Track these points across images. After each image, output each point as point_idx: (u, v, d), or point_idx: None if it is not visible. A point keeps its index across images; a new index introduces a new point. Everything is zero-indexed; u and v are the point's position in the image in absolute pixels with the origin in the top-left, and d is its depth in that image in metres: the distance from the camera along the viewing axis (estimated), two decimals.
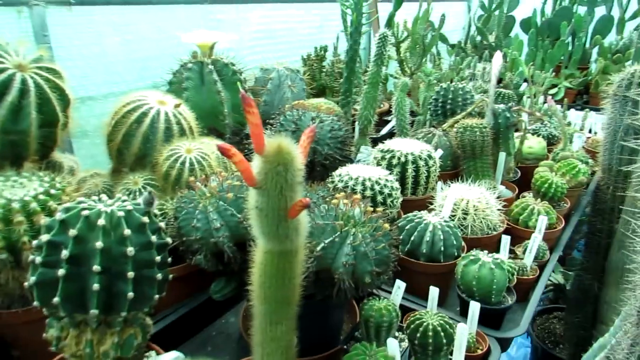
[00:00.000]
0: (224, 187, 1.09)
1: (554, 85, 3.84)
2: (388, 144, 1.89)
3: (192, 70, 1.98)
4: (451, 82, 2.53)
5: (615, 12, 4.16)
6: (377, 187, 1.61)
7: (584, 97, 4.04)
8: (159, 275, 0.97)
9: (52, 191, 1.21)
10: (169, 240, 1.02)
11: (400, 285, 1.23)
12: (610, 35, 4.15)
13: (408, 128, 2.63)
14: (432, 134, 2.13)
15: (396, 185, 1.68)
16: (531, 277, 1.57)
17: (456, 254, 1.51)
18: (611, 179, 2.25)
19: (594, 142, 2.52)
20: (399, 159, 1.82)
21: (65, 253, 0.89)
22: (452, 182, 1.84)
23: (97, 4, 1.92)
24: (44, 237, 0.91)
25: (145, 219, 0.97)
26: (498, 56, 2.08)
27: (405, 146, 1.87)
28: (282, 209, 0.76)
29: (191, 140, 1.51)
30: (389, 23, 3.15)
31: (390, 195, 1.63)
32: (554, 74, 3.79)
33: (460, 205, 1.69)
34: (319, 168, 1.37)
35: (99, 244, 0.89)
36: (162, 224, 1.02)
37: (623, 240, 2.15)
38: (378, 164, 1.83)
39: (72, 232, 0.89)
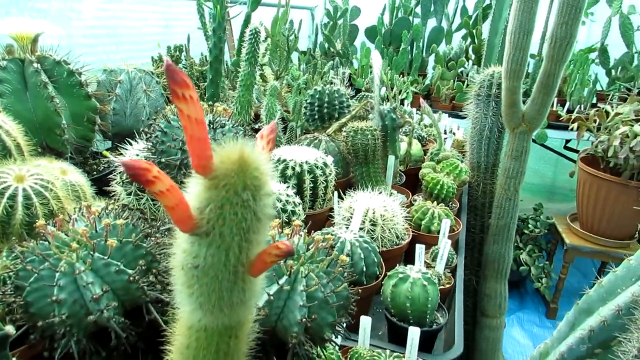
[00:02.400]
0: (100, 229, 0.72)
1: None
2: (278, 153, 1.64)
3: (9, 70, 1.46)
4: (325, 84, 2.39)
5: (444, 24, 4.57)
6: (278, 205, 1.35)
7: (426, 102, 4.34)
8: None
9: None
10: (10, 330, 0.62)
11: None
12: (442, 45, 4.54)
13: (281, 135, 2.41)
14: (319, 139, 1.94)
15: (297, 200, 1.45)
16: (447, 285, 1.48)
17: (378, 272, 1.34)
18: (480, 176, 2.35)
19: (457, 142, 2.63)
20: (293, 169, 1.58)
21: None
22: (348, 191, 1.68)
23: None
24: None
25: None
26: (377, 55, 1.99)
27: (296, 154, 1.65)
28: (243, 264, 0.46)
29: (21, 164, 1.05)
30: (246, 24, 2.90)
31: (294, 212, 1.39)
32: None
33: (367, 216, 1.52)
34: None
35: None
36: None
37: (496, 234, 2.26)
38: None
39: None
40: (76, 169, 1.32)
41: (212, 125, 0.98)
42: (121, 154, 1.49)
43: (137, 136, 1.51)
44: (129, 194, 1.44)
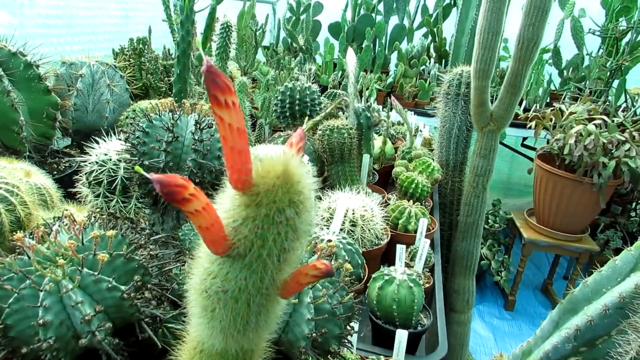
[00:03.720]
0: (88, 242, 0.65)
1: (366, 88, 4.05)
2: (253, 152, 1.59)
3: None
4: (292, 80, 2.34)
5: (406, 22, 4.61)
6: None
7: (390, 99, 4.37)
8: None
9: None
10: None
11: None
12: (404, 43, 4.59)
13: (250, 133, 2.35)
14: None
15: None
16: (427, 285, 1.48)
17: (361, 274, 1.32)
18: (449, 174, 2.38)
19: (425, 140, 2.66)
20: None
21: None
22: (323, 190, 1.66)
23: None
24: None
25: None
26: (351, 53, 1.97)
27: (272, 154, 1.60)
28: (276, 286, 0.42)
29: None
30: (212, 17, 2.81)
31: None
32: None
33: (347, 216, 1.50)
34: (207, 191, 0.99)
35: None
36: None
37: (465, 231, 2.30)
38: None
39: None
40: (39, 170, 1.22)
41: (198, 125, 0.92)
42: (86, 152, 1.39)
43: (104, 134, 1.42)
44: (97, 195, 1.35)
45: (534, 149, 3.60)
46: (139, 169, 0.35)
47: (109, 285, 0.62)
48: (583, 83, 3.79)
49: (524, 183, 4.77)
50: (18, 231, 0.87)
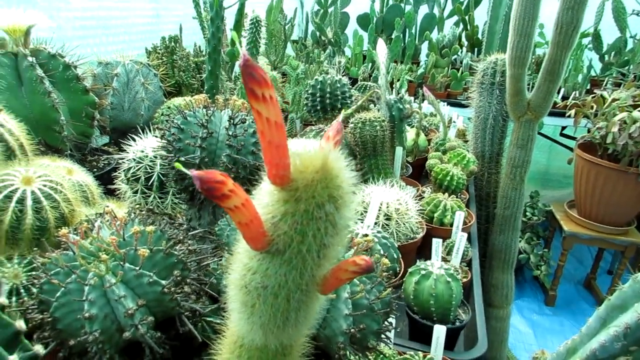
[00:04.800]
0: (128, 237, 0.67)
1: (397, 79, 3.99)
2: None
3: (2, 65, 1.39)
4: (322, 73, 2.33)
5: (436, 11, 4.52)
6: None
7: (421, 90, 4.30)
8: None
9: None
10: (39, 350, 0.57)
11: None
12: (435, 32, 4.50)
13: None
14: (324, 131, 1.89)
15: None
16: (464, 280, 1.45)
17: (397, 268, 1.30)
18: (484, 165, 2.32)
19: (459, 131, 2.61)
20: None
21: None
22: (358, 184, 1.64)
23: None
24: None
25: None
26: (381, 44, 1.94)
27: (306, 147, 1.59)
28: (316, 282, 0.41)
29: (27, 165, 0.99)
30: (241, 12, 2.82)
31: None
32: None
33: (381, 210, 1.49)
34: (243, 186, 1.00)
35: None
36: (22, 323, 0.56)
37: (502, 224, 2.24)
38: None
39: None
40: (80, 168, 1.26)
41: (232, 121, 0.92)
42: (124, 150, 1.42)
43: (140, 131, 1.45)
44: (135, 192, 1.38)
45: (573, 138, 3.48)
46: (179, 166, 0.35)
47: (150, 280, 0.63)
48: (626, 68, 3.62)
49: (564, 174, 4.60)
50: (62, 227, 0.90)
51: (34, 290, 0.65)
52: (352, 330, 0.65)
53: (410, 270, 1.25)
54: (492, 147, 2.29)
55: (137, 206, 1.22)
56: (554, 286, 3.35)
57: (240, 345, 0.51)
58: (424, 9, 4.51)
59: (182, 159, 0.91)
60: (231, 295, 0.46)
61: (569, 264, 3.65)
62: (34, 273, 0.73)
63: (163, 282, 0.64)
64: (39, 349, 0.57)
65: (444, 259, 1.53)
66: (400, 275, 1.32)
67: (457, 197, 1.77)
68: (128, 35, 2.58)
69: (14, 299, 0.79)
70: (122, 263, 0.63)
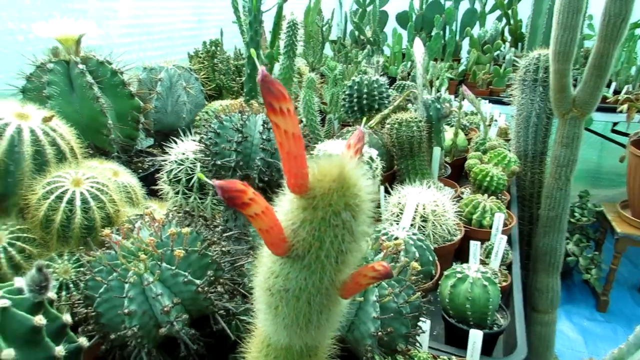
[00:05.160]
0: (166, 238, 0.70)
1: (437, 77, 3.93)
2: (322, 148, 1.61)
3: (55, 72, 1.47)
4: (359, 74, 2.33)
5: (477, 6, 4.40)
6: None
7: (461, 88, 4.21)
8: None
9: None
10: (83, 342, 0.61)
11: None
12: (476, 28, 4.39)
13: (319, 128, 2.37)
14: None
15: None
16: (504, 283, 1.42)
17: (433, 271, 1.29)
18: (527, 165, 2.26)
19: (501, 130, 2.54)
20: None
21: None
22: (393, 185, 1.64)
23: None
24: None
25: (40, 320, 0.55)
26: (418, 43, 1.92)
27: (341, 149, 1.60)
28: (337, 287, 0.42)
29: (76, 167, 1.05)
30: (279, 15, 2.86)
31: None
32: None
33: (417, 212, 1.48)
34: (276, 189, 1.02)
35: None
36: (68, 317, 0.60)
37: (547, 226, 2.17)
38: None
39: None
40: (126, 169, 1.32)
41: (266, 125, 0.95)
42: (167, 152, 1.48)
43: (182, 134, 1.50)
44: (177, 193, 1.44)
45: (626, 134, 3.30)
46: (201, 175, 0.37)
47: (185, 279, 0.67)
48: None
49: (616, 172, 4.38)
50: (108, 226, 0.96)
51: (81, 286, 0.70)
52: (380, 333, 0.65)
53: (446, 273, 1.24)
54: (535, 145, 2.21)
55: (178, 207, 1.27)
56: (606, 291, 3.20)
57: (267, 345, 0.53)
58: (464, 5, 4.41)
59: (219, 162, 0.94)
60: (257, 296, 0.48)
61: (623, 267, 3.47)
62: (81, 269, 0.78)
63: (197, 281, 0.67)
64: (83, 341, 0.61)
65: (483, 262, 1.50)
66: (436, 278, 1.31)
67: (497, 198, 1.73)
68: (171, 41, 2.68)
69: (63, 293, 0.84)
70: (159, 263, 0.67)
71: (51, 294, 0.62)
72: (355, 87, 2.21)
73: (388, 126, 1.80)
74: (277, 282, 0.43)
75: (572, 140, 2.03)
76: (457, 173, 2.12)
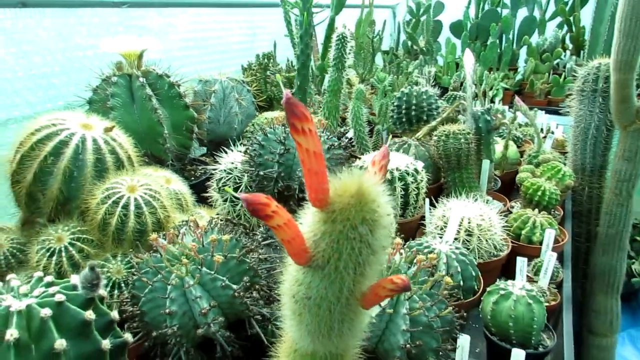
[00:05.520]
0: (207, 244, 0.75)
1: (491, 87, 3.83)
2: (366, 159, 1.62)
3: (119, 85, 1.58)
4: (410, 85, 2.32)
5: (536, 13, 4.26)
6: None
7: (519, 97, 4.08)
8: None
9: None
10: (128, 338, 0.65)
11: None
12: (535, 36, 4.25)
13: (367, 139, 2.39)
14: (407, 144, 1.89)
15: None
16: (553, 303, 1.37)
17: (475, 287, 1.27)
18: (585, 179, 2.15)
19: (558, 142, 2.44)
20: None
21: None
22: (439, 198, 1.62)
23: None
24: None
25: (90, 315, 0.61)
26: (469, 54, 1.89)
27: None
28: (356, 297, 0.44)
29: (132, 174, 1.13)
30: (331, 27, 2.91)
31: None
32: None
33: (462, 225, 1.45)
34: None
35: None
36: (116, 314, 0.65)
37: (606, 244, 2.05)
38: None
39: None
40: (178, 177, 1.40)
41: None
42: (217, 161, 1.55)
43: (232, 144, 1.57)
44: (225, 200, 1.50)
45: None
46: (229, 190, 0.40)
47: (223, 284, 0.70)
48: None
49: None
50: (158, 231, 1.02)
51: (129, 286, 0.75)
52: (409, 345, 0.66)
53: (488, 289, 1.21)
54: (593, 159, 2.11)
55: (225, 214, 1.32)
56: None
57: (294, 350, 0.55)
58: (522, 12, 4.28)
59: (262, 173, 0.98)
60: (284, 303, 0.50)
61: None
62: (131, 270, 0.84)
63: (234, 286, 0.71)
64: (128, 337, 0.66)
65: (531, 279, 1.45)
66: (479, 294, 1.28)
67: (549, 214, 1.67)
68: (226, 54, 2.79)
69: (115, 292, 0.91)
70: (200, 267, 0.71)
71: (102, 292, 0.68)
72: (404, 99, 2.21)
73: (435, 138, 1.78)
74: (300, 290, 0.45)
75: (635, 153, 1.92)
76: (508, 187, 2.06)
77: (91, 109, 1.55)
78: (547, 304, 1.34)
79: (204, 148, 2.07)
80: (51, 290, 0.63)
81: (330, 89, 1.97)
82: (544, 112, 3.00)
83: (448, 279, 0.73)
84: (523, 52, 4.19)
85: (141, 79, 1.59)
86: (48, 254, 1.01)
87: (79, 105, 1.61)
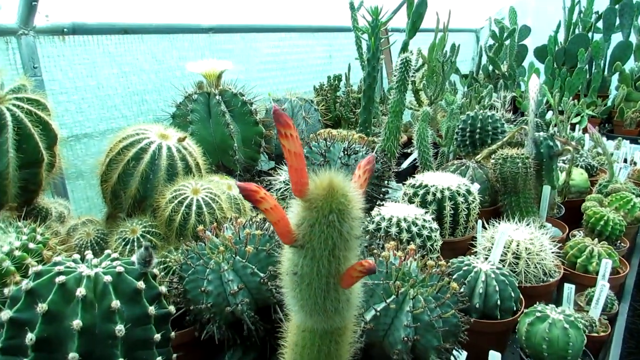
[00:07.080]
0: (242, 237, 0.87)
1: (577, 114, 3.66)
2: (420, 179, 1.67)
3: (198, 102, 1.79)
4: (482, 109, 2.33)
5: (632, 38, 4.01)
6: (414, 229, 1.38)
7: (606, 126, 3.85)
8: (159, 359, 0.74)
9: (31, 245, 0.99)
10: (172, 309, 0.79)
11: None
12: (630, 62, 4.00)
13: (432, 160, 2.42)
14: (466, 166, 1.91)
15: (435, 225, 1.46)
16: (602, 334, 1.32)
17: (514, 308, 1.27)
18: None
19: (638, 172, 2.29)
20: (434, 194, 1.60)
21: (31, 337, 0.65)
22: (493, 221, 1.62)
23: (91, 33, 1.74)
24: (5, 314, 0.68)
25: (141, 285, 0.75)
26: (535, 80, 1.88)
27: (439, 180, 1.65)
28: (333, 275, 0.53)
29: (198, 179, 1.30)
30: (404, 51, 3.00)
31: (429, 237, 1.40)
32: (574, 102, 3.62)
33: (510, 248, 1.45)
34: None
35: (77, 323, 0.66)
36: (163, 288, 0.79)
37: None
38: (410, 201, 1.61)
39: (42, 306, 0.67)
40: None
41: (346, 152, 1.08)
42: (279, 173, 1.70)
43: None
44: None
45: None
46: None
47: (252, 271, 0.82)
48: None
49: None
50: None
51: (177, 268, 0.89)
52: (406, 338, 0.72)
53: (526, 310, 1.21)
54: None
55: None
56: None
57: (297, 326, 0.65)
58: (617, 37, 4.06)
59: None
60: (283, 280, 0.60)
61: None
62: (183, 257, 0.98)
63: (261, 274, 0.82)
64: (171, 308, 0.79)
65: (581, 309, 1.41)
66: (518, 315, 1.27)
67: (613, 245, 1.60)
68: (303, 75, 2.98)
69: (172, 277, 1.06)
70: (234, 255, 0.83)
71: (155, 270, 0.82)
72: (469, 122, 2.23)
73: (493, 161, 1.79)
74: (290, 267, 0.55)
75: None
76: (573, 215, 1.98)
77: (174, 122, 1.78)
78: (594, 335, 1.30)
79: (272, 162, 2.24)
80: (115, 263, 0.78)
81: (392, 110, 2.05)
82: (629, 141, 2.82)
83: (454, 284, 0.78)
84: (616, 78, 3.96)
85: (217, 97, 1.79)
86: (124, 243, 1.20)
87: (165, 119, 1.85)
